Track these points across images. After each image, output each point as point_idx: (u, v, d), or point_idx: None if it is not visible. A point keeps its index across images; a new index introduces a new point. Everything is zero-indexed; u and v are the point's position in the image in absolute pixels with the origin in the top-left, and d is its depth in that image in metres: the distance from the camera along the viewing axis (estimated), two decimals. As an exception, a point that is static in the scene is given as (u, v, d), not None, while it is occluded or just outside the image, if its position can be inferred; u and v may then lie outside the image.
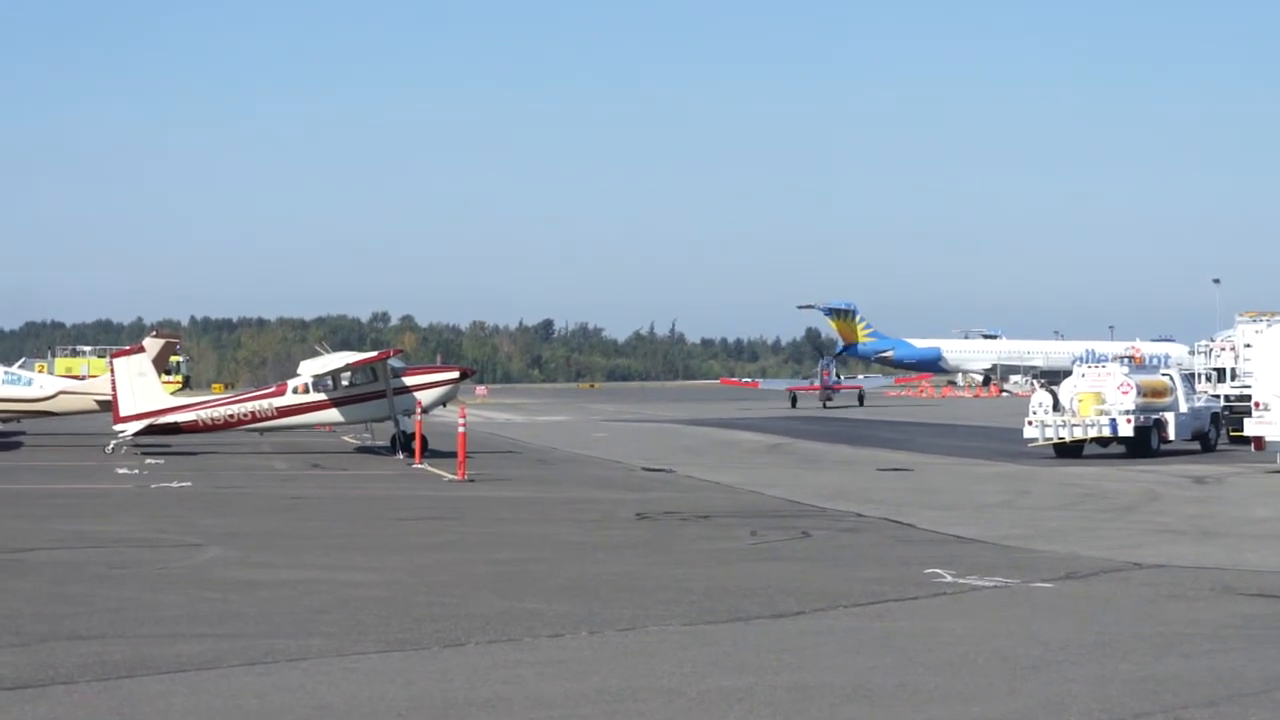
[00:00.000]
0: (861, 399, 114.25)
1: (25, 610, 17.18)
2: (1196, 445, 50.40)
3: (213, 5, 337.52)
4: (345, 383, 49.86)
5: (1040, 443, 47.80)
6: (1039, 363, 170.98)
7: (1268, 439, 40.93)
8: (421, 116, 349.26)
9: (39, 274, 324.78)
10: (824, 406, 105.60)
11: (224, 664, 14.21)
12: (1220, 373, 58.72)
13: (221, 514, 29.35)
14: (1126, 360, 53.22)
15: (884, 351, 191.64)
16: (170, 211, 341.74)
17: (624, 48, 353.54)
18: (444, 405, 52.93)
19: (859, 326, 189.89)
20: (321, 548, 23.93)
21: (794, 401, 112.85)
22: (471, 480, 37.15)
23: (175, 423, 49.42)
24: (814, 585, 19.50)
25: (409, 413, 47.53)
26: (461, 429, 39.16)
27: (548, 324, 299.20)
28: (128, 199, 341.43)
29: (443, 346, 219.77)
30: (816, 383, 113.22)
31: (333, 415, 50.18)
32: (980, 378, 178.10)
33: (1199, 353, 64.84)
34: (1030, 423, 48.14)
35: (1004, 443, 53.82)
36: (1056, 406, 48.24)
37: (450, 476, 38.21)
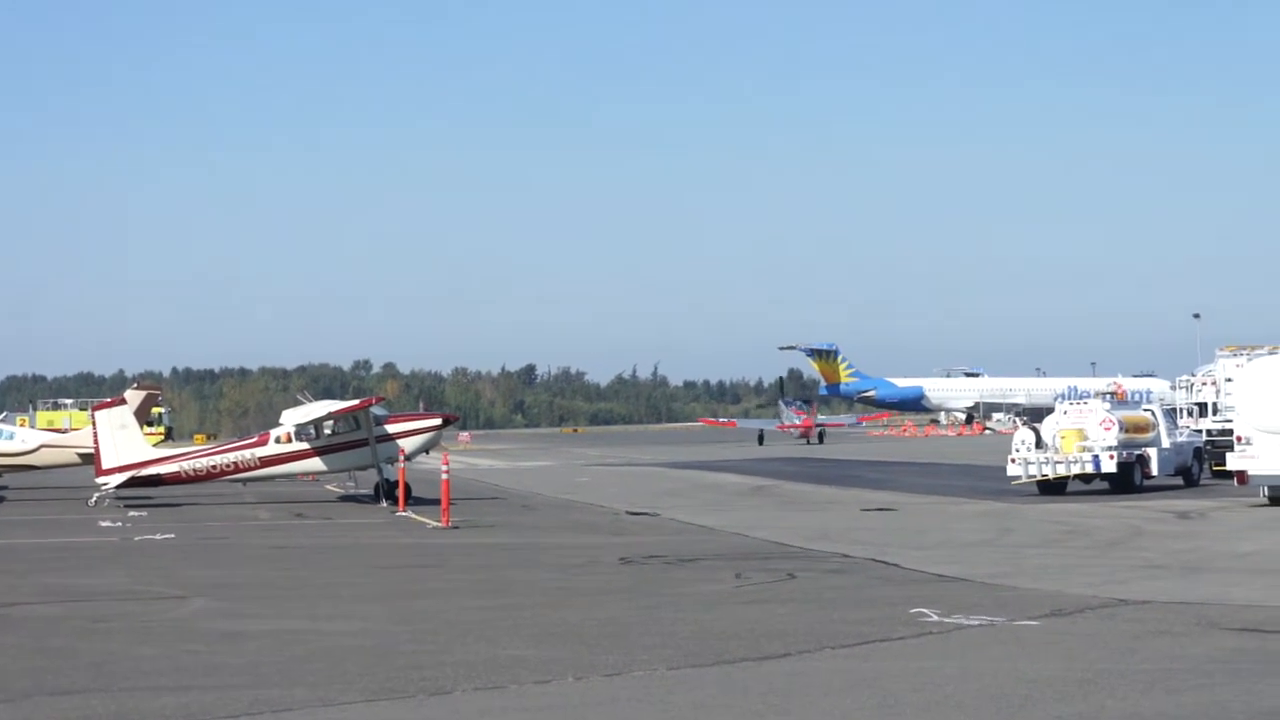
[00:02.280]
0: (821, 437, 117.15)
1: (9, 666, 17.12)
2: (1180, 480, 50.43)
3: (187, 60, 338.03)
4: (328, 431, 49.78)
5: (1024, 480, 47.83)
6: (1021, 400, 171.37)
7: (1250, 473, 40.96)
8: (400, 164, 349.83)
9: (19, 327, 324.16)
10: (808, 442, 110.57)
11: (209, 716, 14.17)
12: (1202, 407, 58.79)
13: (205, 565, 29.28)
14: (1109, 396, 53.31)
15: (866, 391, 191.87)
16: (150, 263, 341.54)
17: (601, 92, 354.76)
18: (427, 452, 52.85)
19: (841, 367, 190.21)
20: (306, 597, 23.87)
21: (761, 439, 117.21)
22: (455, 527, 37.08)
23: (158, 474, 49.28)
24: (800, 627, 19.48)
25: (392, 460, 47.42)
26: (445, 476, 39.09)
27: (530, 369, 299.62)
28: (107, 251, 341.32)
29: (425, 394, 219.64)
30: (797, 421, 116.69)
31: (316, 464, 50.09)
32: (963, 416, 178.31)
33: (1180, 388, 65.00)
34: (1013, 460, 48.16)
35: (987, 480, 53.82)
36: (1039, 443, 48.29)
37: (434, 524, 38.14)
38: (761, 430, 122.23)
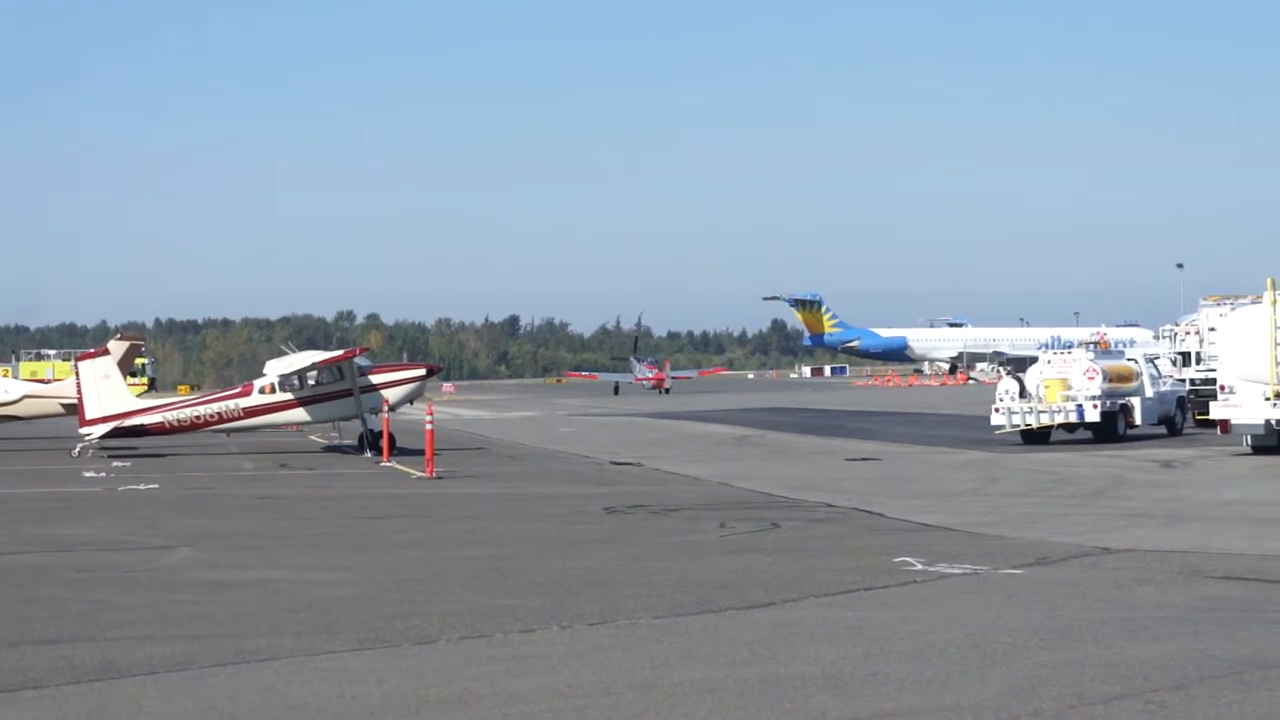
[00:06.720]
0: (667, 389, 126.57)
1: (-6, 616, 17.09)
2: (1163, 429, 50.59)
3: (188, 8, 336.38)
4: (312, 382, 49.75)
5: (1007, 429, 47.93)
6: (1005, 350, 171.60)
7: (1234, 422, 41.07)
8: (385, 115, 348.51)
9: (1, 279, 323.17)
10: (660, 393, 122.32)
11: (195, 665, 14.17)
12: (1185, 357, 58.92)
13: (190, 515, 29.27)
14: (1092, 346, 53.38)
15: (850, 341, 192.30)
16: (133, 213, 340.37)
17: (587, 46, 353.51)
18: (411, 403, 52.84)
19: (825, 317, 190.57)
20: (291, 547, 23.89)
21: (616, 390, 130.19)
22: (440, 478, 37.10)
23: (142, 425, 49.25)
24: (784, 576, 19.51)
25: (376, 411, 47.44)
26: (429, 426, 39.08)
27: (514, 320, 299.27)
28: (90, 202, 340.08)
29: (409, 344, 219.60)
30: (649, 375, 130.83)
31: (299, 415, 50.08)
32: (947, 366, 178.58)
33: (1164, 337, 65.14)
34: (997, 410, 48.25)
35: (971, 430, 53.93)
36: (1023, 393, 48.37)
37: (418, 474, 38.15)
38: (617, 382, 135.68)
